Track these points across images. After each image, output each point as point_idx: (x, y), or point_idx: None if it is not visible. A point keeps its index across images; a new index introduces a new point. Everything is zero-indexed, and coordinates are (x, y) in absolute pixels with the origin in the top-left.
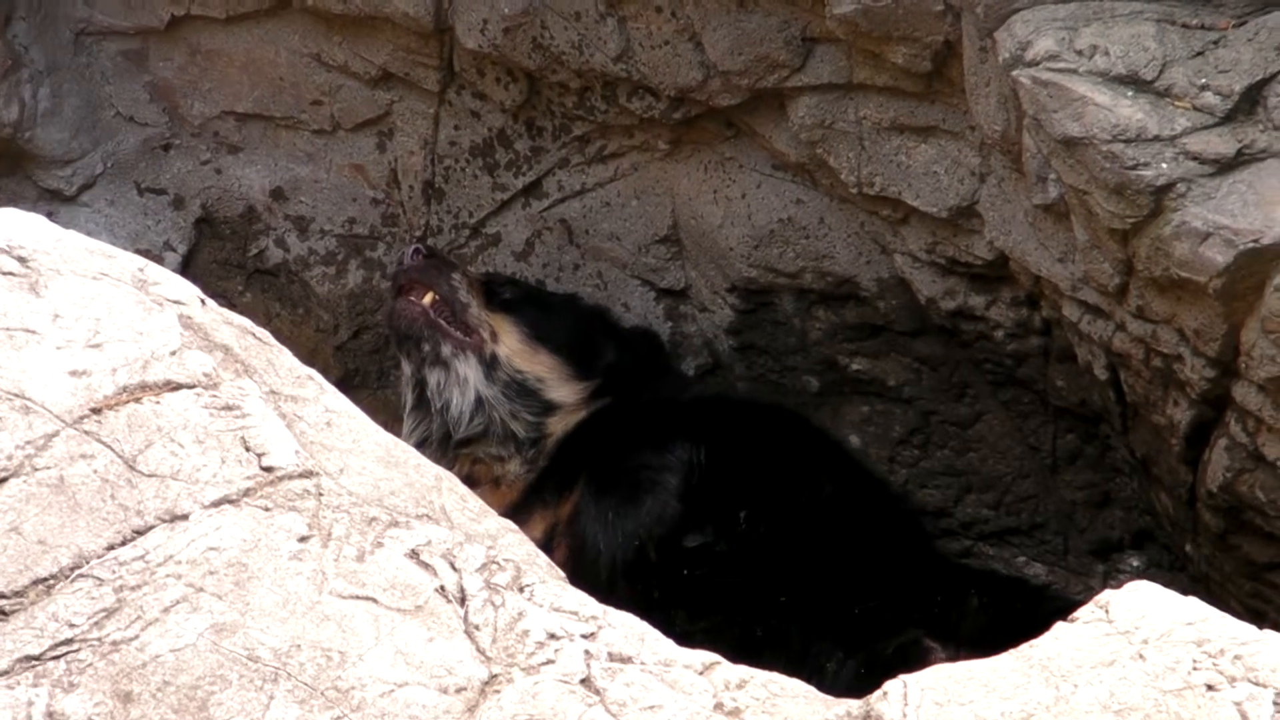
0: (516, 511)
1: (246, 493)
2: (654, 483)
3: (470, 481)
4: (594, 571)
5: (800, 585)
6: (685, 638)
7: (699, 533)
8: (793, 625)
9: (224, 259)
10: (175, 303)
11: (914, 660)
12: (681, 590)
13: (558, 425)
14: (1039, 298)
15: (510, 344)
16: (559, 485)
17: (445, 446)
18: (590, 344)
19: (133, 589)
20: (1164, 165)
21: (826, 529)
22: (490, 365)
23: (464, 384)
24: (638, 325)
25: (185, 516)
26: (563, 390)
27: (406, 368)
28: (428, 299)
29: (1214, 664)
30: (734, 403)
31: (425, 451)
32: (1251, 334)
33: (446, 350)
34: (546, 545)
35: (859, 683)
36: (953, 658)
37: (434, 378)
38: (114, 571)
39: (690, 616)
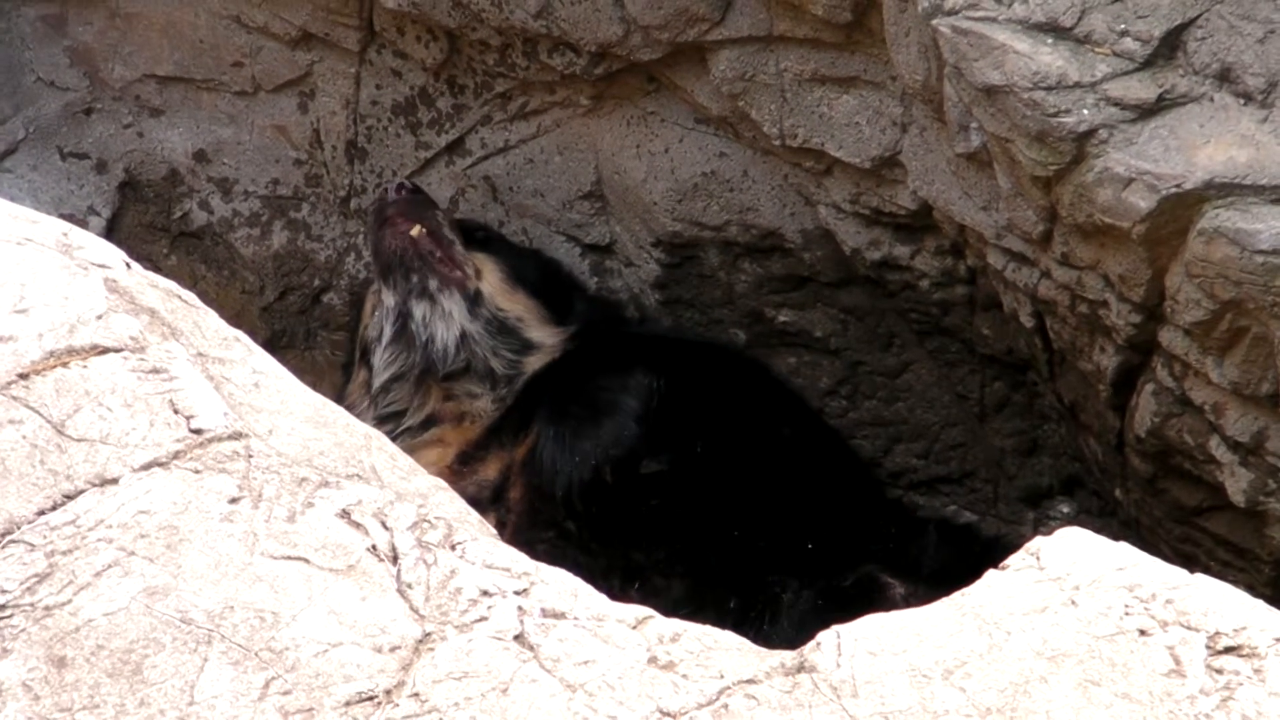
0: (475, 450)
1: (176, 455)
2: (613, 404)
3: (433, 419)
4: (551, 496)
5: (757, 519)
6: (641, 570)
7: (655, 459)
8: (750, 558)
9: (148, 222)
10: (100, 267)
11: (872, 594)
12: (638, 517)
13: (532, 365)
14: (963, 246)
15: (492, 282)
16: (517, 427)
17: (423, 380)
18: (563, 292)
19: (64, 554)
20: (1085, 112)
21: (783, 465)
22: (474, 302)
23: (449, 319)
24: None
25: (115, 480)
26: (540, 332)
27: (390, 298)
28: (415, 231)
29: (1146, 609)
30: (694, 341)
31: (401, 385)
32: (1176, 279)
33: (433, 284)
34: (502, 485)
35: (815, 615)
36: (910, 594)
37: (419, 310)
38: (45, 536)
39: (647, 546)
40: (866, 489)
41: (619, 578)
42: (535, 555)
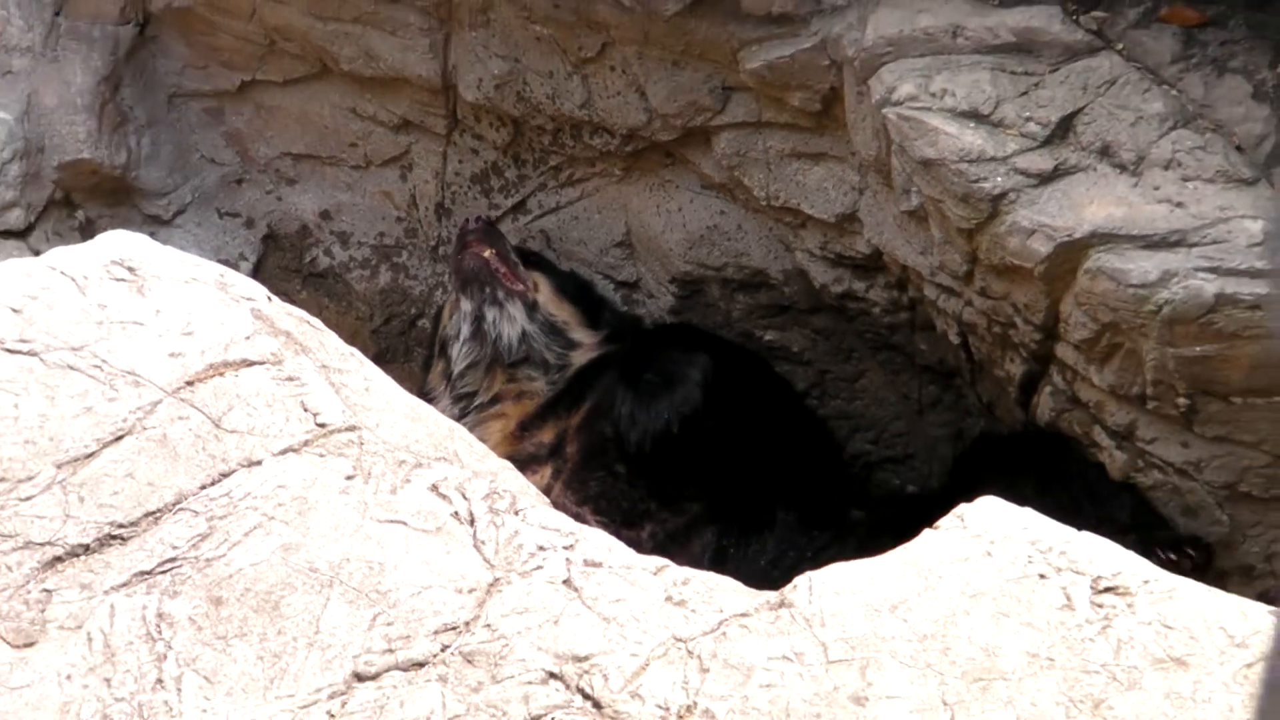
0: (532, 421)
1: (305, 443)
2: (684, 375)
3: (498, 398)
4: (620, 448)
5: (761, 468)
6: (671, 497)
7: (711, 420)
8: (754, 491)
9: (285, 266)
10: (248, 299)
11: (841, 518)
12: (692, 468)
13: (577, 359)
14: (906, 282)
15: (545, 294)
16: (570, 403)
17: (491, 368)
18: (597, 305)
19: (220, 518)
20: (999, 179)
21: (781, 428)
22: (531, 309)
23: (513, 321)
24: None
25: (259, 462)
26: (581, 334)
27: (467, 305)
28: (488, 253)
29: (1045, 558)
30: (725, 339)
31: (474, 371)
32: (1068, 306)
33: (501, 294)
34: (558, 444)
35: (799, 529)
36: (861, 519)
37: (490, 314)
38: (206, 506)
39: (677, 481)
40: (834, 451)
41: (655, 500)
42: (588, 489)
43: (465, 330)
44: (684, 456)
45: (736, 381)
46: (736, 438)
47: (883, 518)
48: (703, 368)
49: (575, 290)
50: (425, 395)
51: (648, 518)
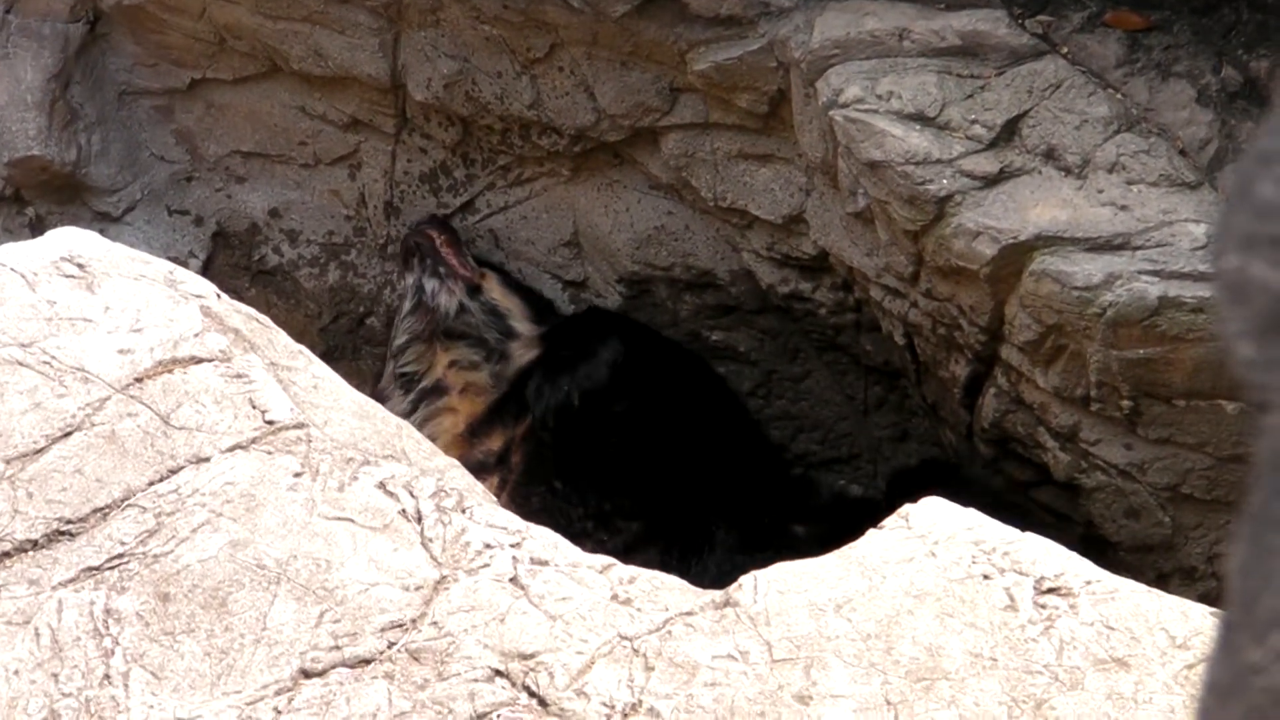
0: (481, 426)
1: (253, 440)
2: (591, 351)
3: (443, 389)
4: (537, 433)
5: (695, 477)
6: (608, 515)
7: (618, 404)
8: (691, 508)
9: (234, 263)
10: (197, 296)
11: (781, 534)
12: (605, 464)
13: (517, 351)
14: (852, 283)
15: (491, 285)
16: (516, 411)
17: (431, 339)
18: (545, 305)
19: (169, 515)
20: (944, 181)
21: (712, 433)
22: (473, 290)
23: (452, 294)
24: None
25: (207, 459)
26: (522, 325)
27: (409, 278)
28: (438, 237)
29: (988, 559)
30: (652, 330)
31: (414, 346)
32: (1013, 308)
33: (443, 270)
34: (504, 453)
35: (740, 549)
36: (806, 533)
37: (430, 285)
38: (154, 502)
39: (614, 497)
40: (773, 460)
41: (591, 521)
42: (530, 504)
43: (407, 305)
44: (594, 440)
45: (655, 370)
46: (659, 431)
47: (824, 533)
48: (613, 348)
49: (528, 290)
50: (379, 397)
51: (586, 537)
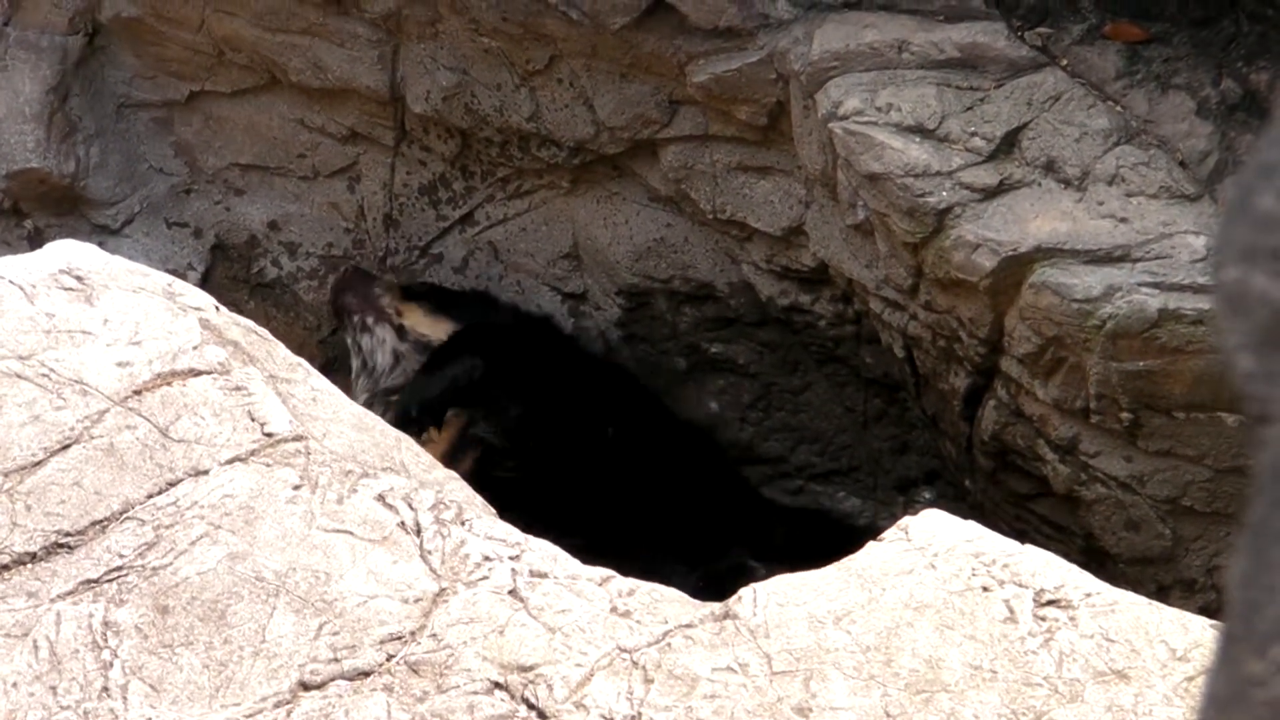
0: (455, 450)
1: (252, 453)
2: (436, 368)
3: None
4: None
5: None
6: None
7: (483, 428)
8: (642, 547)
9: (233, 276)
10: (196, 309)
11: (740, 576)
12: (513, 478)
13: None
14: (851, 295)
15: (415, 318)
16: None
17: (379, 398)
18: (482, 317)
19: (167, 527)
20: (944, 193)
21: (639, 457)
22: (400, 331)
23: (384, 344)
24: (542, 312)
25: (206, 471)
26: None
27: (347, 339)
28: (348, 296)
29: (988, 571)
30: (567, 340)
31: (375, 402)
32: (1012, 320)
33: (370, 320)
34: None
35: (699, 595)
36: (770, 573)
37: (366, 342)
38: (153, 514)
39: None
40: (729, 482)
41: None
42: None
43: (354, 364)
44: (491, 464)
45: (536, 389)
46: (569, 469)
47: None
48: (459, 366)
49: (461, 306)
50: None
51: None
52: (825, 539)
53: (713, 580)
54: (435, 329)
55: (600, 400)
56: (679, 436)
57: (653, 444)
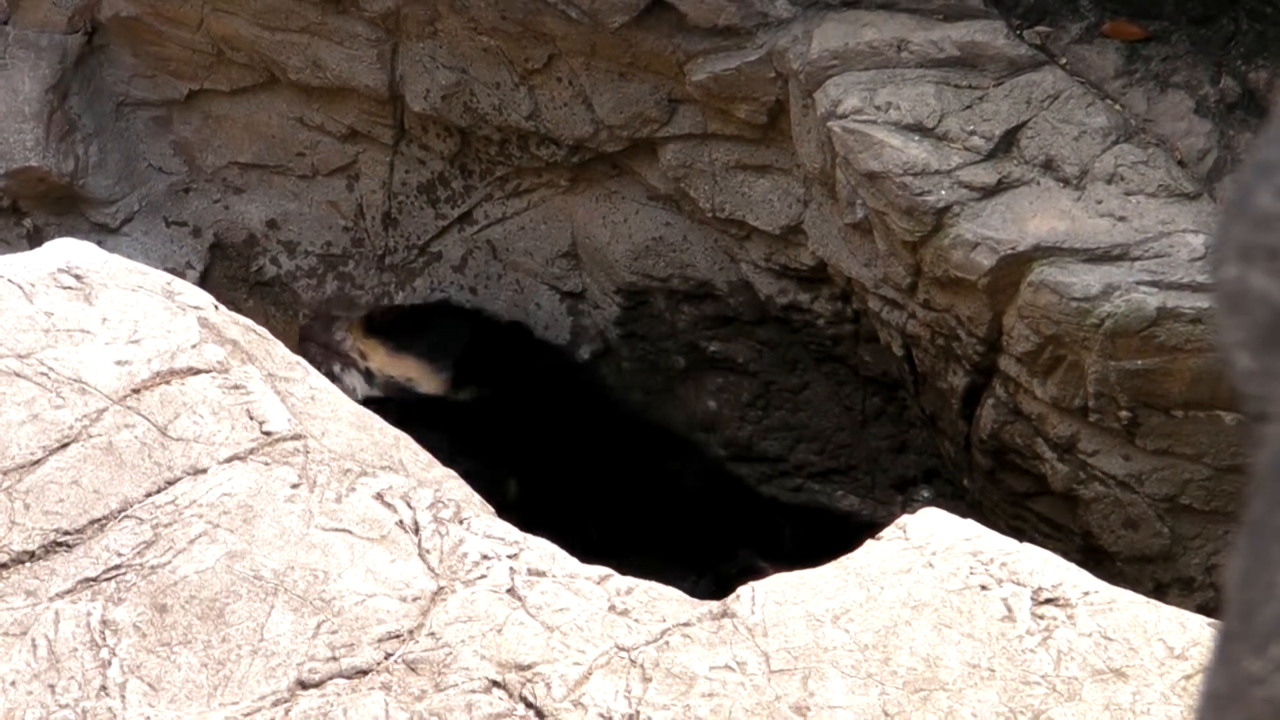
0: None
1: (251, 451)
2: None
3: None
4: None
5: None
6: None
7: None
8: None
9: (232, 274)
10: (195, 308)
11: (753, 579)
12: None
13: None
14: (850, 294)
15: (379, 359)
16: None
17: None
18: (447, 342)
19: (166, 526)
20: (943, 192)
21: (636, 468)
22: (368, 375)
23: (353, 392)
24: (512, 320)
25: (205, 470)
26: (431, 384)
27: None
28: (313, 348)
29: (986, 570)
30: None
31: None
32: (1011, 319)
33: (338, 368)
34: None
35: (710, 599)
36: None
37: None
38: (151, 513)
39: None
40: (724, 486)
41: None
42: None
43: None
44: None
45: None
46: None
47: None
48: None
49: (424, 337)
50: None
51: None
52: (833, 537)
53: (724, 583)
54: (401, 367)
55: (573, 414)
56: (658, 444)
57: (634, 455)
